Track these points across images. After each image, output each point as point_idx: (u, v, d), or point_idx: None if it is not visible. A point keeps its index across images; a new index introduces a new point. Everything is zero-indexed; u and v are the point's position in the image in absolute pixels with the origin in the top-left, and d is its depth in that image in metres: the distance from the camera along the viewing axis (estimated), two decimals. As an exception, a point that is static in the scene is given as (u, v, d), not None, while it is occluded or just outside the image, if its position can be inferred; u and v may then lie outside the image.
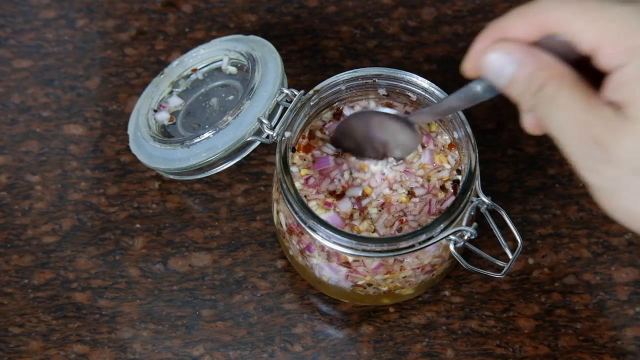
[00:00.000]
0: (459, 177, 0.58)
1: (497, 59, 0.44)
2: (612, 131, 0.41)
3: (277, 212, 0.59)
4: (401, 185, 0.58)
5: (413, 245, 0.53)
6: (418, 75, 0.58)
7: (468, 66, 0.47)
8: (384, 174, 0.59)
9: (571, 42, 0.42)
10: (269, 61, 0.61)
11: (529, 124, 0.47)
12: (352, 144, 0.59)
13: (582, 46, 0.42)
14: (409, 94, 0.59)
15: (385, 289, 0.58)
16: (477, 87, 0.48)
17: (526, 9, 0.43)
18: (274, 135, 0.58)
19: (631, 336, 0.62)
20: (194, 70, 0.65)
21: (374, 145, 0.59)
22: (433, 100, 0.58)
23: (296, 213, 0.54)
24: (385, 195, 0.58)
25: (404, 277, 0.57)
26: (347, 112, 0.60)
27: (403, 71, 0.59)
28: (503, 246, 0.55)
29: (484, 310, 0.63)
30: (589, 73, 0.43)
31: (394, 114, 0.58)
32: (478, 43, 0.45)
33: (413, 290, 0.60)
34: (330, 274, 0.58)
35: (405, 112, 0.59)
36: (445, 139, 0.59)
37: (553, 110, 0.42)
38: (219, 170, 0.61)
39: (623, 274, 0.64)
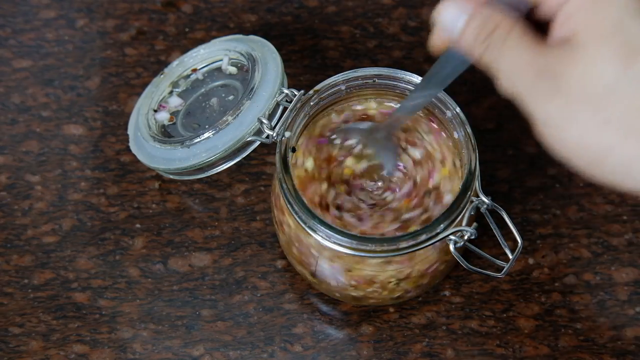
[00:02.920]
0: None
1: (449, 12, 0.45)
2: (562, 61, 0.42)
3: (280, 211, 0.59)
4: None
5: (413, 245, 0.53)
6: (418, 75, 0.58)
7: (434, 38, 0.47)
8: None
9: None
10: (269, 61, 0.61)
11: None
12: None
13: None
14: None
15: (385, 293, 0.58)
16: (443, 62, 0.48)
17: None
18: (274, 135, 0.58)
19: (631, 336, 0.62)
20: (194, 70, 0.65)
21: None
22: (434, 100, 0.58)
23: (296, 213, 0.54)
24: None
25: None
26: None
27: (403, 71, 0.58)
28: (503, 246, 0.55)
29: (484, 310, 0.63)
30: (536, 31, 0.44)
31: (367, 127, 0.59)
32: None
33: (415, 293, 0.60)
34: (330, 274, 0.58)
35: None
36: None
37: (502, 51, 0.44)
38: (219, 170, 0.61)
39: (623, 274, 0.64)
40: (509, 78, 0.44)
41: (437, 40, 0.47)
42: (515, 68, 0.43)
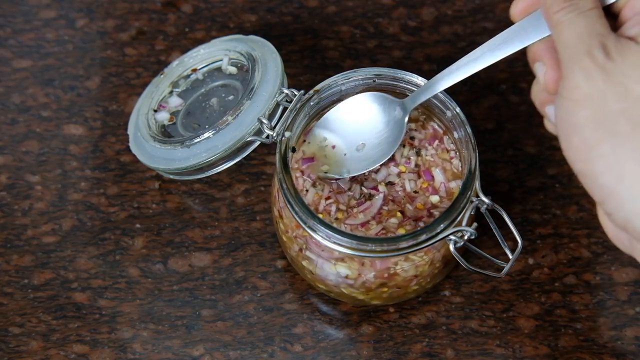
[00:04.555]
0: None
1: None
2: (621, 46, 0.44)
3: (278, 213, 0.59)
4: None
5: (413, 245, 0.53)
6: (418, 75, 0.58)
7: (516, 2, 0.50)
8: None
9: None
10: (269, 61, 0.61)
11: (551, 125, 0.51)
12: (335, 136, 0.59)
13: None
14: (410, 94, 0.59)
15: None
16: (515, 28, 0.49)
17: None
18: (274, 135, 0.58)
19: (631, 336, 0.62)
20: (194, 70, 0.65)
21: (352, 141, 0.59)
22: (434, 100, 0.58)
23: (296, 213, 0.54)
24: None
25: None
26: None
27: (403, 71, 0.59)
28: (503, 246, 0.55)
29: (484, 310, 0.63)
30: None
31: (387, 97, 0.58)
32: None
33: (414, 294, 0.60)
34: (330, 274, 0.58)
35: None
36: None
37: (576, 14, 0.46)
38: (219, 170, 0.61)
39: (623, 274, 0.64)
40: (568, 36, 0.45)
41: (520, 3, 0.50)
42: (580, 31, 0.45)
